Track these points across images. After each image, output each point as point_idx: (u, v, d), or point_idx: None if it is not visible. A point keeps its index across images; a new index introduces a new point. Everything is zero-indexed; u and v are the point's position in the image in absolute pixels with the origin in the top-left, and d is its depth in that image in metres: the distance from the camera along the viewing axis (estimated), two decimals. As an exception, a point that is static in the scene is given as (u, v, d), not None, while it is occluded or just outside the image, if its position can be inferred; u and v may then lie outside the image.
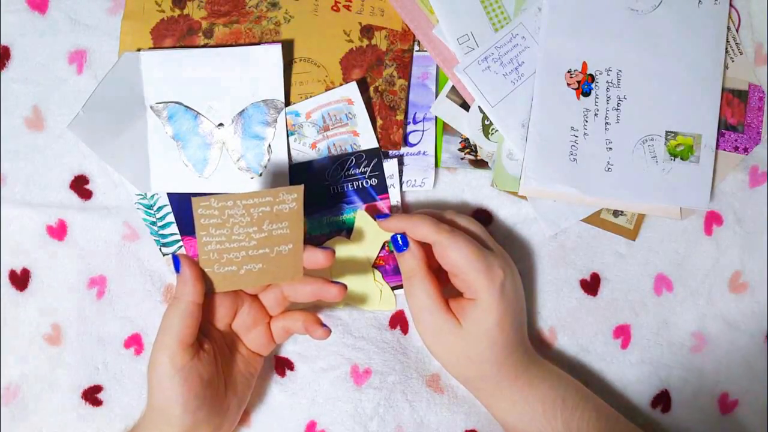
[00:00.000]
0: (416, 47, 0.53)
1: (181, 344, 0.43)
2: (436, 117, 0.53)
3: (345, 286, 0.46)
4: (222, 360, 0.46)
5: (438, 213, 0.49)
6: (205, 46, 0.51)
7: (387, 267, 0.52)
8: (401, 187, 0.53)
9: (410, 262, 0.47)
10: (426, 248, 0.48)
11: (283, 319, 0.48)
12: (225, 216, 0.42)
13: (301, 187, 0.43)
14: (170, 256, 0.52)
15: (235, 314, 0.47)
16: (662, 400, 0.54)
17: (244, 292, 0.47)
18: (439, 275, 0.49)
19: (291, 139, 0.52)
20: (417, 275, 0.47)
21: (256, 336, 0.48)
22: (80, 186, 0.53)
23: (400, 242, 0.48)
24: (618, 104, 0.52)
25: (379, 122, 0.52)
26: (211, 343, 0.45)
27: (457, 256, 0.45)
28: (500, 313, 0.46)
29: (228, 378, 0.46)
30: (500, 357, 0.46)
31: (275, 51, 0.50)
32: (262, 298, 0.48)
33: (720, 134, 0.53)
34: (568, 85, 0.52)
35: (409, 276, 0.48)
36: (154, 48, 0.51)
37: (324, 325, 0.46)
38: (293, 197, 0.43)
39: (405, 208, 0.53)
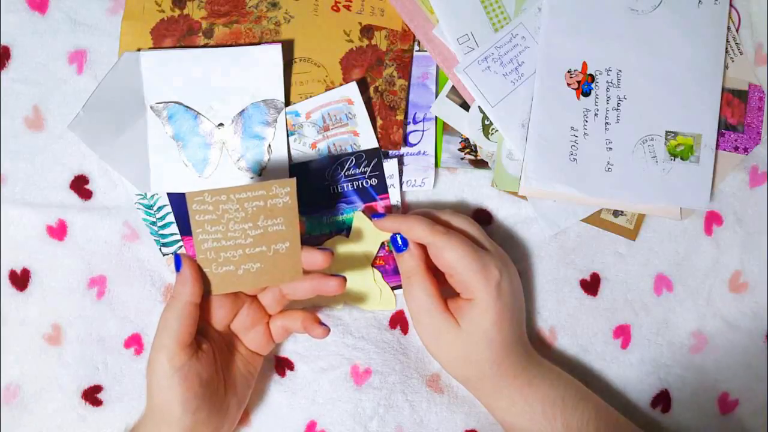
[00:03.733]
0: (416, 47, 0.53)
1: (179, 344, 0.43)
2: (436, 117, 0.53)
3: (344, 279, 0.46)
4: (221, 360, 0.46)
5: (434, 213, 0.49)
6: (205, 46, 0.51)
7: (387, 267, 0.52)
8: (401, 187, 0.53)
9: (409, 262, 0.48)
10: (425, 248, 0.48)
11: (282, 319, 0.48)
12: (220, 211, 0.42)
13: (293, 180, 0.43)
14: (172, 255, 0.52)
15: (235, 315, 0.47)
16: (662, 399, 0.54)
17: (243, 293, 0.47)
18: (437, 275, 0.49)
19: (291, 139, 0.52)
20: (416, 275, 0.47)
21: (255, 336, 0.48)
22: (80, 186, 0.53)
23: (399, 242, 0.48)
24: (618, 104, 0.52)
25: (379, 122, 0.52)
26: (209, 343, 0.45)
27: (452, 257, 0.45)
28: (497, 313, 0.46)
29: (227, 378, 0.46)
30: (499, 356, 0.46)
31: (275, 51, 0.50)
32: (261, 298, 0.48)
33: (720, 134, 0.53)
34: (568, 85, 0.52)
35: (407, 276, 0.48)
36: (154, 48, 0.51)
37: (323, 324, 0.46)
38: (286, 191, 0.43)
39: (405, 208, 0.53)
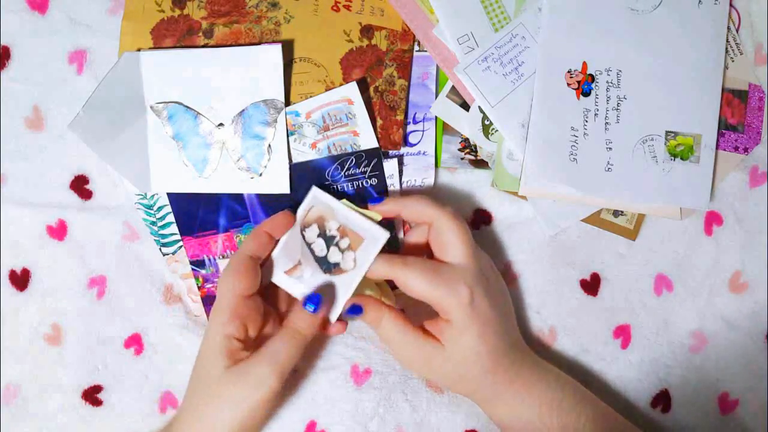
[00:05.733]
0: (416, 47, 0.53)
1: (242, 294, 0.45)
2: (436, 117, 0.53)
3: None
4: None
5: (431, 205, 0.47)
6: (205, 46, 0.51)
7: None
8: (401, 187, 0.53)
9: (372, 315, 0.46)
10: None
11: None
12: None
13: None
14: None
15: (265, 321, 0.48)
16: (662, 400, 0.54)
17: (262, 300, 0.49)
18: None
19: (291, 139, 0.52)
20: (383, 319, 0.46)
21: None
22: (80, 186, 0.53)
23: (353, 310, 0.46)
24: (618, 104, 0.52)
25: (379, 122, 0.52)
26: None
27: (418, 286, 0.45)
28: (478, 328, 0.45)
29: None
30: (491, 366, 0.46)
31: (275, 51, 0.50)
32: (279, 304, 0.50)
33: (720, 134, 0.53)
34: (568, 85, 0.52)
35: (377, 324, 0.47)
36: (154, 48, 0.51)
37: (337, 321, 0.48)
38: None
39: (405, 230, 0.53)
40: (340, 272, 0.46)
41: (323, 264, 0.47)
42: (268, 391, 0.44)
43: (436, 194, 0.54)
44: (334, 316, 0.47)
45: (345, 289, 0.46)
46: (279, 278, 0.48)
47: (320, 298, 0.46)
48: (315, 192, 0.47)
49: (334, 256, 0.47)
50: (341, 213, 0.47)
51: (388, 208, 0.48)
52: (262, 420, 0.47)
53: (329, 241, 0.47)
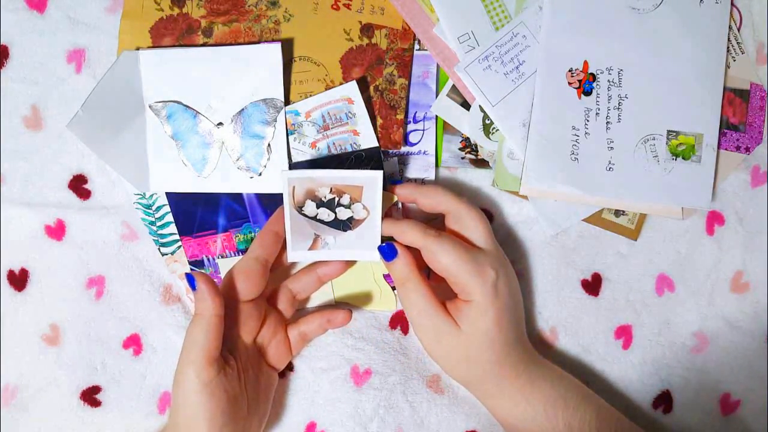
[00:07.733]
0: (416, 46, 0.53)
1: (206, 359, 0.43)
2: (436, 116, 0.53)
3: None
4: (245, 377, 0.46)
5: (449, 196, 0.48)
6: (204, 44, 0.51)
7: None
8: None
9: (402, 268, 0.47)
10: (416, 252, 0.47)
11: (299, 326, 0.50)
12: None
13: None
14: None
15: (263, 324, 0.48)
16: (664, 400, 0.54)
17: (265, 301, 0.49)
18: (432, 276, 0.49)
19: (291, 138, 0.51)
20: (411, 281, 0.46)
21: (276, 346, 0.49)
22: (79, 186, 0.52)
23: (388, 249, 0.47)
24: (619, 103, 0.52)
25: (380, 121, 0.52)
26: (236, 360, 0.46)
27: (446, 260, 0.45)
28: (496, 313, 0.45)
29: (251, 395, 0.46)
30: (500, 356, 0.46)
31: (275, 50, 0.50)
32: (278, 303, 0.50)
33: (722, 134, 0.53)
34: (570, 84, 0.51)
35: (402, 283, 0.47)
36: (153, 47, 0.51)
37: (341, 310, 0.48)
38: None
39: (405, 209, 0.53)
40: (359, 223, 0.47)
41: (338, 226, 0.47)
42: (196, 386, 0.43)
43: (437, 194, 0.54)
44: (375, 254, 0.47)
45: (372, 230, 0.47)
46: (307, 255, 0.48)
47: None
48: (287, 175, 0.46)
49: (342, 213, 0.47)
50: (325, 176, 0.46)
51: (407, 191, 0.48)
52: (231, 409, 0.45)
53: (330, 204, 0.46)
